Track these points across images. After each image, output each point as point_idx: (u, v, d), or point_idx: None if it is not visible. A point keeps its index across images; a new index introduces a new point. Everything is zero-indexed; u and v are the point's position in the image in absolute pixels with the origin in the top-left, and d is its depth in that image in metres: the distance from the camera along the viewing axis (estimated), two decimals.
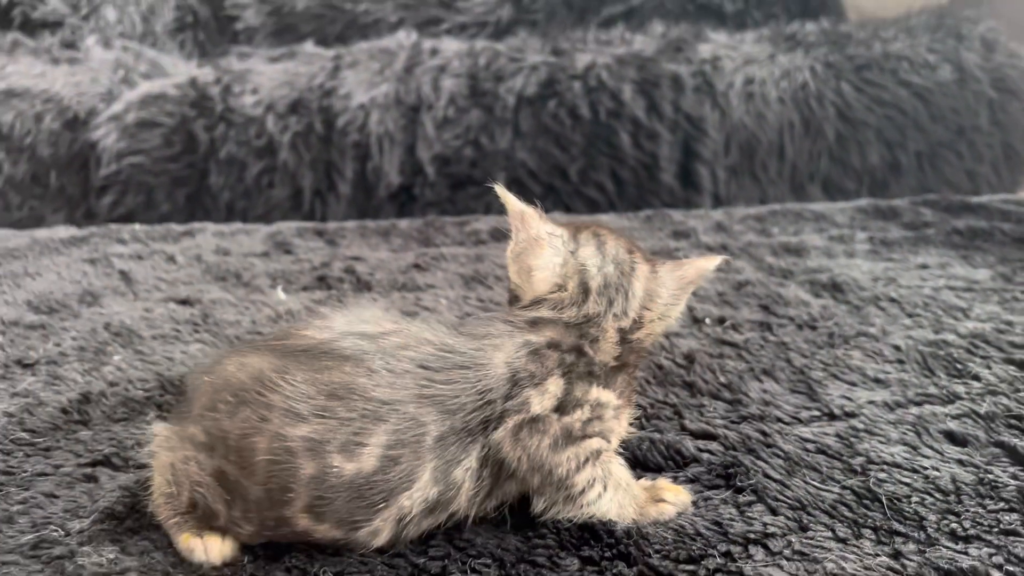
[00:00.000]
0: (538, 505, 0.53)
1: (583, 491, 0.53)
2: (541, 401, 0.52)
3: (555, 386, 0.53)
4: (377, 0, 2.35)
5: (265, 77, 1.81)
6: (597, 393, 0.54)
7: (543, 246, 0.58)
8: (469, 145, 1.75)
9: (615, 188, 1.73)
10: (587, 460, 0.53)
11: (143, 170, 1.72)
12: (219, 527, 0.50)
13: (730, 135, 1.70)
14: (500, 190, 0.61)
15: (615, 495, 0.54)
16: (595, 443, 0.53)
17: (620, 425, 0.56)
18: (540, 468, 0.51)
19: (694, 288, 0.59)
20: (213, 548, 0.50)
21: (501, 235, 1.11)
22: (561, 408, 0.53)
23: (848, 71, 1.74)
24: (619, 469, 0.55)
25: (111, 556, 0.49)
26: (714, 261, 0.58)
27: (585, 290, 0.57)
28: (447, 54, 1.86)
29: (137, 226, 1.17)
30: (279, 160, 1.72)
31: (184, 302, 0.89)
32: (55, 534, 0.52)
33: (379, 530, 0.49)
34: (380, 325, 0.53)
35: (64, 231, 1.12)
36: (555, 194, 1.74)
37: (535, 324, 0.56)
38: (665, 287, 0.57)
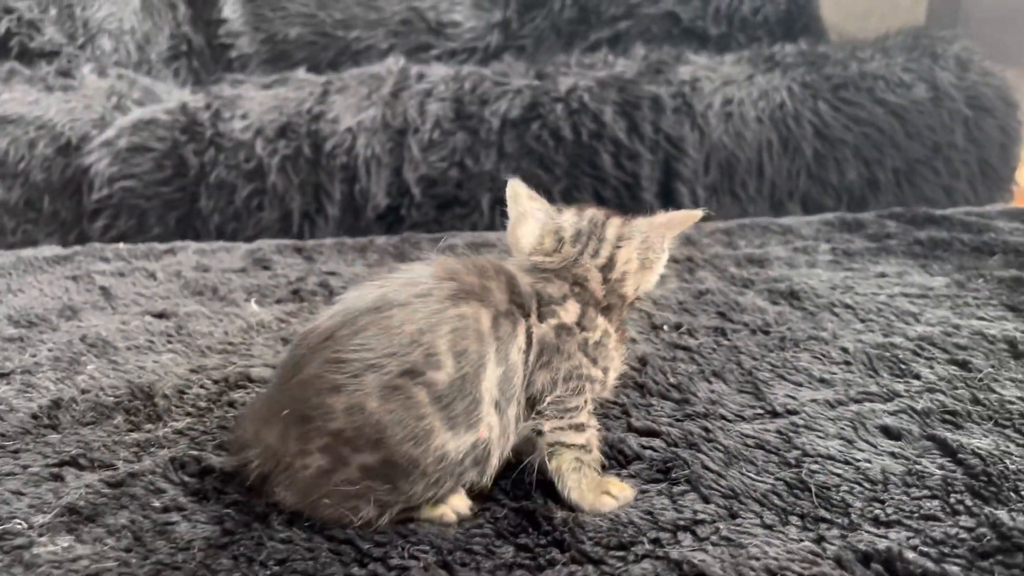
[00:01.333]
0: (544, 401, 0.59)
1: (575, 410, 0.59)
2: (567, 315, 0.61)
3: (573, 307, 0.61)
4: (368, 27, 2.40)
5: (255, 102, 1.85)
6: (602, 322, 0.62)
7: (527, 218, 0.67)
8: (455, 167, 1.78)
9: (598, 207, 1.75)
10: (589, 379, 0.60)
11: (135, 194, 1.75)
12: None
13: (709, 154, 1.73)
14: (510, 181, 0.71)
15: (583, 472, 0.58)
16: (597, 372, 0.60)
17: (618, 358, 0.63)
18: (570, 358, 0.59)
19: (671, 234, 0.65)
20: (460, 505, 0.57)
21: (476, 249, 1.14)
22: (580, 325, 0.60)
23: (825, 90, 1.77)
24: (597, 453, 0.60)
25: (65, 544, 0.52)
26: (694, 215, 0.65)
27: (560, 240, 0.65)
28: (433, 79, 1.90)
29: (121, 245, 1.20)
30: (268, 183, 1.75)
31: (160, 315, 0.91)
32: (18, 527, 0.54)
33: (491, 424, 0.55)
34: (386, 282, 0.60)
35: (49, 250, 1.16)
36: None
37: (532, 270, 0.64)
38: (638, 230, 0.64)
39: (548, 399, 0.58)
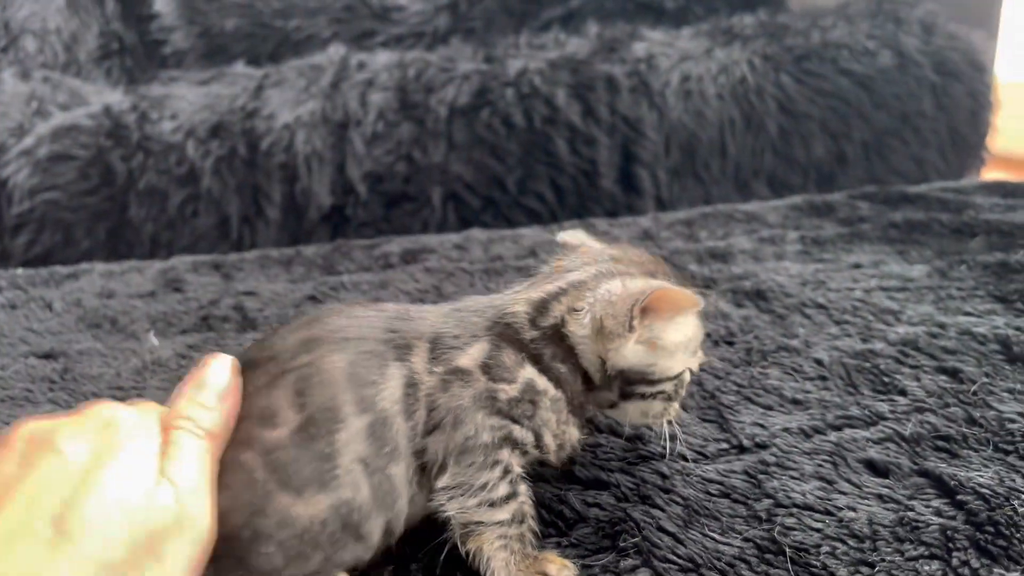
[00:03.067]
0: (442, 480, 0.48)
1: (486, 487, 0.48)
2: (466, 358, 0.49)
3: (479, 348, 0.50)
4: (309, 15, 2.29)
5: (185, 102, 1.74)
6: (535, 376, 0.50)
7: None
8: (402, 160, 1.69)
9: (555, 197, 1.67)
10: (502, 445, 0.48)
11: (59, 206, 1.64)
12: None
13: (669, 135, 1.65)
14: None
15: (510, 549, 0.47)
16: (519, 432, 0.49)
17: (563, 427, 0.51)
18: (459, 423, 0.48)
19: (651, 318, 0.52)
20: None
21: (412, 257, 1.04)
22: (486, 369, 0.49)
23: (787, 62, 1.69)
24: (529, 522, 0.49)
25: None
26: (686, 301, 0.52)
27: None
28: (375, 67, 1.80)
29: (19, 270, 1.08)
30: (202, 187, 1.65)
31: (47, 355, 0.81)
32: None
33: (357, 483, 0.46)
34: None
35: None
36: (494, 207, 1.68)
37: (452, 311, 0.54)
38: (607, 290, 0.52)
39: (444, 479, 0.48)
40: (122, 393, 0.72)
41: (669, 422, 0.55)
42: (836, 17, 1.79)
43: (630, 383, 0.52)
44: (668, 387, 0.53)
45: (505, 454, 0.48)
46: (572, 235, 0.61)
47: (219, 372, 0.47)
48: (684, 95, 1.66)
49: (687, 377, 0.55)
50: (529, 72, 1.70)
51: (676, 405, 0.55)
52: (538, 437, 0.50)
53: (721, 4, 2.20)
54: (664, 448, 0.57)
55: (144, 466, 0.42)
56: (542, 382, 0.50)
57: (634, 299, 0.50)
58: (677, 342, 0.52)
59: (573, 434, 0.52)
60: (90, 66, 2.30)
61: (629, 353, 0.51)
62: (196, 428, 0.44)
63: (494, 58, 1.79)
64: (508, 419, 0.49)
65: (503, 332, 0.51)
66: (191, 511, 0.42)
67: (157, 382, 0.73)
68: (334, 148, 1.67)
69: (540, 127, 1.65)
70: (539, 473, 0.55)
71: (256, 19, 2.33)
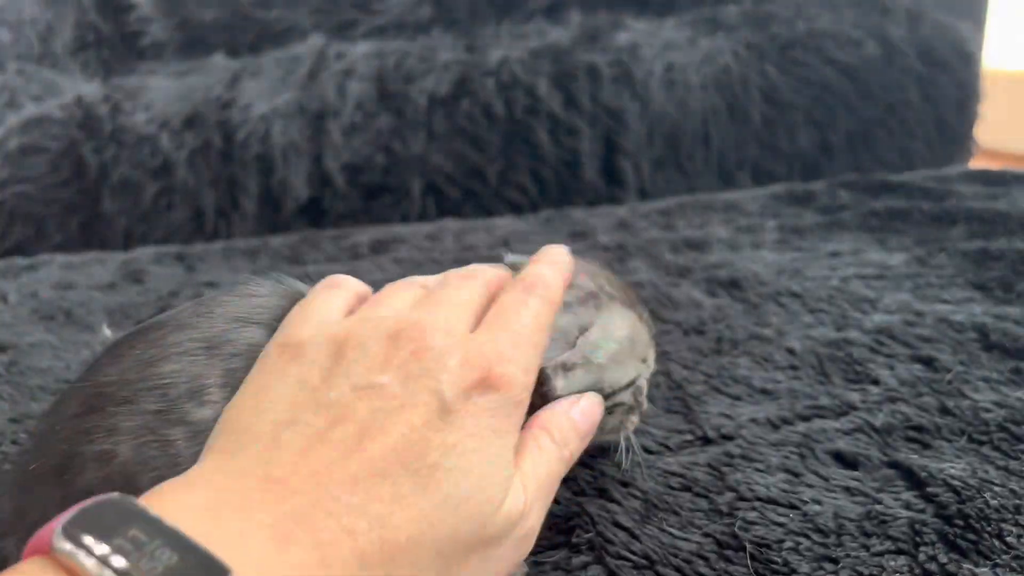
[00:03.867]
0: None
1: None
2: None
3: None
4: (289, 6, 2.25)
5: (159, 92, 1.71)
6: None
7: None
8: (380, 151, 1.66)
9: (537, 188, 1.65)
10: None
11: (30, 199, 1.62)
12: None
13: (652, 126, 1.63)
14: None
15: None
16: None
17: None
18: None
19: None
20: None
21: (381, 247, 1.01)
22: None
23: (772, 51, 1.67)
24: None
25: None
26: None
27: None
28: (353, 57, 1.78)
29: None
30: (177, 179, 1.62)
31: None
32: None
33: None
34: None
35: None
36: (475, 198, 1.66)
37: None
38: None
39: None
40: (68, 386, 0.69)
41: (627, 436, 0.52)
42: (821, 6, 1.77)
43: None
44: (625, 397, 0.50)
45: None
46: (518, 259, 0.56)
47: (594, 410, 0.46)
48: (667, 85, 1.64)
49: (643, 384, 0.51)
50: (510, 61, 1.67)
51: (635, 418, 0.52)
52: None
53: None
54: (623, 461, 0.54)
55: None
56: None
57: None
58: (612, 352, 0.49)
59: None
60: (66, 58, 2.26)
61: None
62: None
63: (475, 48, 1.77)
64: None
65: None
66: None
67: None
68: (311, 139, 1.64)
69: (521, 117, 1.62)
70: None
71: (235, 10, 2.29)
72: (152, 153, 1.62)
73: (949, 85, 1.73)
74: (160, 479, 0.35)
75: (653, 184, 1.62)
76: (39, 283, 0.95)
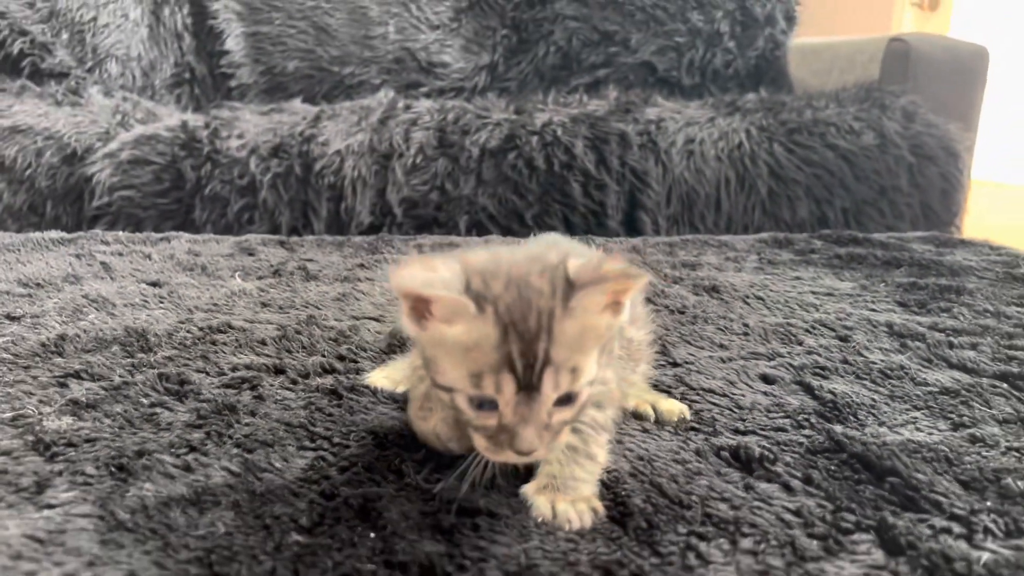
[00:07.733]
0: None
1: None
2: None
3: None
4: (363, 64, 2.55)
5: (251, 124, 1.98)
6: None
7: None
8: (435, 190, 1.90)
9: (567, 232, 1.88)
10: None
11: (133, 203, 1.86)
12: None
13: (671, 188, 1.85)
14: None
15: None
16: None
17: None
18: None
19: None
20: None
21: (439, 248, 1.26)
22: None
23: (780, 134, 1.90)
24: None
25: (69, 422, 0.63)
26: None
27: None
28: (419, 109, 2.04)
29: (120, 233, 1.32)
30: (260, 198, 1.86)
31: (154, 284, 1.03)
32: (30, 411, 0.66)
33: None
34: None
35: (55, 233, 1.28)
36: (512, 236, 1.89)
37: None
38: None
39: None
40: (216, 307, 0.94)
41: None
42: (828, 99, 2.01)
43: None
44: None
45: None
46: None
47: None
48: (687, 155, 1.88)
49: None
50: (553, 124, 1.94)
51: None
52: None
53: (734, 85, 2.44)
54: None
55: None
56: None
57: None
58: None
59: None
60: (163, 92, 2.55)
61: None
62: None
63: (523, 111, 2.03)
64: None
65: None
66: None
67: (244, 303, 0.95)
68: (377, 175, 1.90)
69: (559, 171, 1.87)
70: None
71: (315, 63, 2.58)
72: (241, 174, 1.87)
73: (935, 176, 1.93)
74: None
75: (668, 238, 1.85)
76: (174, 249, 1.21)
